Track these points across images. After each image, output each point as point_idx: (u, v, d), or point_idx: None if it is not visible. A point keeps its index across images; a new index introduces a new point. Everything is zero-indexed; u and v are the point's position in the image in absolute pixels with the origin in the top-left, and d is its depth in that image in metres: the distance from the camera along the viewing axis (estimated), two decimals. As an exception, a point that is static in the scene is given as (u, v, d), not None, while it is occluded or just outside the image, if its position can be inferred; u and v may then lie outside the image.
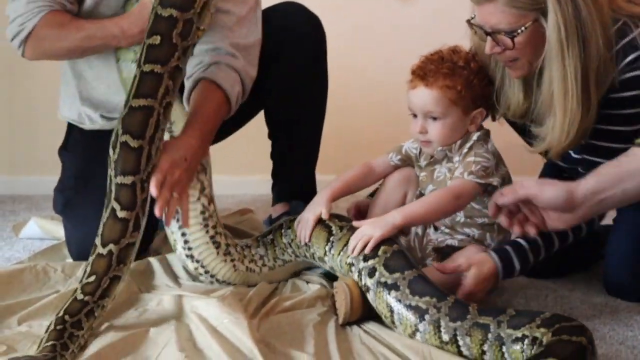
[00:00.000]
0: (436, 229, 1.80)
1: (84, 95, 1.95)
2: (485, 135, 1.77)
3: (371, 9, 3.05)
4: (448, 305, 1.42)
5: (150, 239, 2.00)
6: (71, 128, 2.04)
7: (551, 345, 1.24)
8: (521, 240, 1.65)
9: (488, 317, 1.38)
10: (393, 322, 1.48)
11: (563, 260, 1.95)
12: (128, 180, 1.48)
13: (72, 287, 1.65)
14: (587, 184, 1.50)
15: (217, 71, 1.79)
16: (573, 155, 1.75)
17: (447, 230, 1.78)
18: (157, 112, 1.52)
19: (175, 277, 1.80)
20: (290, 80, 2.06)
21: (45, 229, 2.21)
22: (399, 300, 1.47)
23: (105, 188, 1.53)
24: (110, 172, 1.51)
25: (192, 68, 1.82)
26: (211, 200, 1.73)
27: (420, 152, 1.84)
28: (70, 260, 1.91)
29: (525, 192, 1.53)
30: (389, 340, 1.45)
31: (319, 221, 1.71)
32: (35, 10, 1.78)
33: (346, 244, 1.62)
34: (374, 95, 3.08)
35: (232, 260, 1.73)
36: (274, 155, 2.20)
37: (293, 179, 2.19)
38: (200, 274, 1.72)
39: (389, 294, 1.48)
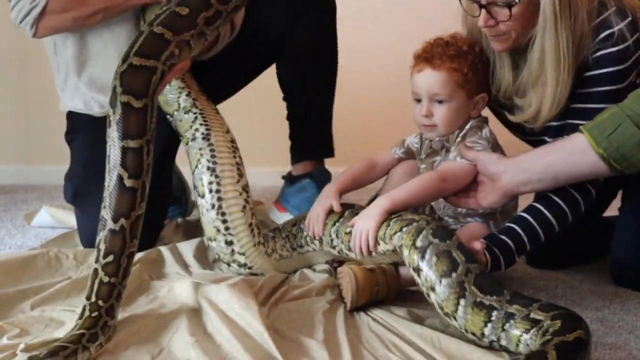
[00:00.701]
0: (439, 219, 1.79)
1: (94, 82, 1.93)
2: (482, 122, 1.76)
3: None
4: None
5: (159, 228, 2.01)
6: (76, 116, 2.00)
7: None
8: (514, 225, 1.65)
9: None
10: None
11: (573, 252, 1.95)
12: (136, 144, 1.42)
13: (84, 273, 1.67)
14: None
15: None
16: (548, 140, 1.75)
17: (450, 221, 1.78)
18: (161, 71, 1.48)
19: (185, 265, 1.81)
20: (307, 44, 2.09)
21: (57, 218, 2.23)
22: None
23: None
24: (112, 133, 1.42)
25: None
26: (247, 188, 1.78)
27: (421, 146, 1.84)
28: (81, 247, 1.92)
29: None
30: (398, 327, 1.45)
31: (330, 213, 1.71)
32: None
33: None
34: (379, 79, 3.08)
35: (265, 249, 1.76)
36: (290, 117, 2.22)
37: (311, 137, 2.21)
38: (235, 261, 1.73)
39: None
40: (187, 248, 1.87)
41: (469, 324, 1.36)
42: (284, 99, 2.23)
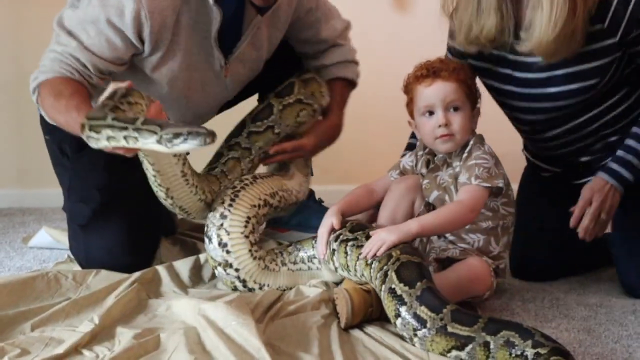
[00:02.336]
0: (439, 236, 1.80)
1: None
2: (480, 138, 1.78)
3: (368, 18, 3.08)
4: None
5: (156, 248, 2.02)
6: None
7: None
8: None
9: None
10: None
11: (559, 264, 1.97)
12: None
13: (83, 294, 1.68)
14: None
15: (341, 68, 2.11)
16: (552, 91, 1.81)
17: (451, 238, 1.77)
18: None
19: (182, 284, 1.81)
20: None
21: (56, 238, 2.23)
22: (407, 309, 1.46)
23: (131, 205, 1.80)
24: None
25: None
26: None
27: (415, 164, 1.87)
28: (79, 268, 1.91)
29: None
30: (389, 341, 1.46)
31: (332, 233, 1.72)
32: (54, 68, 1.75)
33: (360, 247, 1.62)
34: (368, 104, 3.10)
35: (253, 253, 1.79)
36: None
37: None
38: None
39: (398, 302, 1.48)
40: (182, 267, 1.88)
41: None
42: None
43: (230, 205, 1.77)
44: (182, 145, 1.39)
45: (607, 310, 1.73)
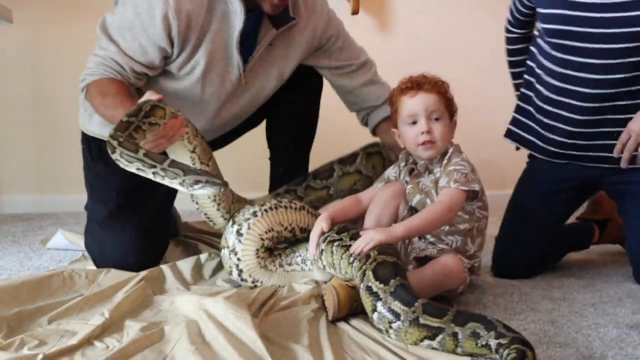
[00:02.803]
0: (420, 237, 1.80)
1: None
2: (458, 148, 1.80)
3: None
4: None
5: (164, 251, 2.03)
6: (101, 142, 1.94)
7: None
8: None
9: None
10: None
11: (534, 262, 2.02)
12: None
13: (95, 290, 1.68)
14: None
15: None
16: None
17: (432, 239, 1.78)
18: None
19: (184, 281, 1.82)
20: (295, 121, 2.16)
21: (71, 240, 2.24)
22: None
23: (146, 208, 1.86)
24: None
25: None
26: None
27: (399, 174, 1.88)
28: (92, 267, 1.92)
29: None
30: (372, 333, 1.47)
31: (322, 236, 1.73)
32: (99, 70, 1.81)
33: (347, 248, 1.62)
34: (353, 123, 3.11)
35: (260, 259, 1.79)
36: (273, 173, 2.23)
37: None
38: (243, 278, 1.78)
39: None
40: (185, 266, 1.89)
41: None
42: (270, 159, 2.24)
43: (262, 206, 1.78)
44: (200, 191, 1.49)
45: (569, 303, 1.74)
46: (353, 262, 1.58)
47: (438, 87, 1.77)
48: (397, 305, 1.43)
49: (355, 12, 2.96)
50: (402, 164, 1.89)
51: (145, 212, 1.93)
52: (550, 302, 1.76)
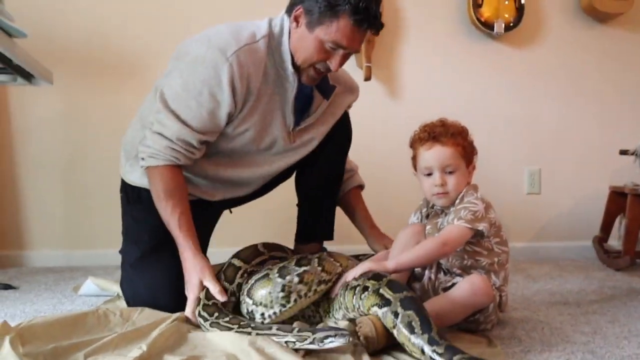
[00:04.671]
0: (446, 273, 1.67)
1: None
2: (473, 187, 1.68)
3: (368, 104, 3.03)
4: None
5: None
6: (144, 190, 1.83)
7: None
8: None
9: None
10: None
11: None
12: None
13: (129, 328, 1.50)
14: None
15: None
16: None
17: (458, 272, 1.65)
18: None
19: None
20: (324, 169, 2.02)
21: (101, 286, 2.07)
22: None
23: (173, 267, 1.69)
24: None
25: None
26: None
27: (421, 219, 1.78)
28: (125, 306, 1.75)
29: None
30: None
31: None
32: (164, 155, 1.69)
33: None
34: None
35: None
36: (301, 216, 2.08)
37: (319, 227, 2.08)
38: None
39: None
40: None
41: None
42: (298, 205, 2.09)
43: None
44: (330, 344, 1.34)
45: (602, 336, 1.58)
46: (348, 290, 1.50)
47: (455, 139, 1.67)
48: (386, 291, 1.43)
49: (367, 78, 2.90)
50: (424, 209, 1.79)
51: (177, 253, 1.76)
52: (582, 335, 1.59)
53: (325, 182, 2.03)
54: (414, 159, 1.73)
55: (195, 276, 1.63)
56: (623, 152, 2.87)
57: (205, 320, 1.53)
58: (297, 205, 2.06)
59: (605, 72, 3.18)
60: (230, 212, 2.08)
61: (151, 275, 1.73)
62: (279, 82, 1.76)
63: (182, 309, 1.67)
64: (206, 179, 1.85)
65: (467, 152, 1.68)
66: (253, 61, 1.69)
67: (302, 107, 1.85)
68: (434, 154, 1.65)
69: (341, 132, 2.01)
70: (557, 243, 3.13)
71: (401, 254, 1.60)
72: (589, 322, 1.73)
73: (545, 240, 3.13)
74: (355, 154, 2.95)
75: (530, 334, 1.59)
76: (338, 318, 1.56)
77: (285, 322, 1.56)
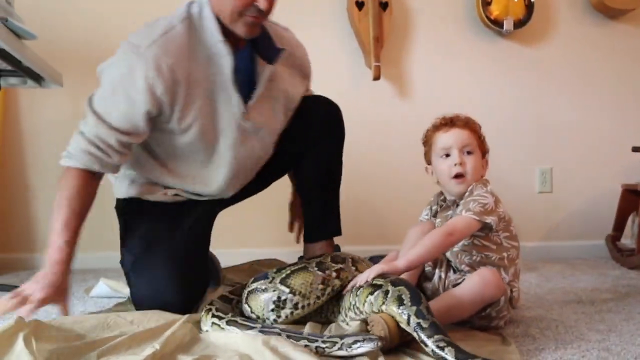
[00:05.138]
0: (455, 271, 1.67)
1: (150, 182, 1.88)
2: (483, 181, 1.68)
3: (379, 104, 3.03)
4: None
5: (203, 296, 1.85)
6: (135, 201, 1.89)
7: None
8: None
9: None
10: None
11: None
12: None
13: (141, 329, 1.51)
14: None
15: None
16: None
17: (467, 269, 1.65)
18: None
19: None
20: (321, 163, 2.01)
21: (113, 287, 2.08)
22: None
23: (173, 251, 1.71)
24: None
25: None
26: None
27: (430, 215, 1.78)
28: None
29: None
30: (430, 360, 1.30)
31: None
32: (78, 157, 1.69)
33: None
34: (375, 174, 3.01)
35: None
36: (306, 212, 2.08)
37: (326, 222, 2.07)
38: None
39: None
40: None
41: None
42: (301, 205, 2.11)
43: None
44: (359, 350, 1.32)
45: (617, 334, 1.56)
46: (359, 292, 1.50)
47: (470, 125, 1.70)
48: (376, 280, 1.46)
49: (376, 77, 2.90)
50: (434, 206, 1.79)
51: (173, 254, 1.76)
52: (597, 333, 1.57)
53: (323, 178, 2.01)
54: (429, 149, 1.73)
55: (45, 290, 1.59)
56: (635, 149, 2.85)
57: (221, 319, 1.52)
58: (301, 205, 2.08)
59: (616, 69, 3.16)
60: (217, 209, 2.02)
61: (149, 272, 1.73)
62: (214, 61, 1.69)
63: (190, 300, 1.70)
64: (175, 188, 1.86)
65: (481, 141, 1.70)
66: (173, 50, 1.64)
67: (248, 79, 1.77)
68: (453, 135, 1.67)
69: (333, 127, 2.01)
70: (570, 242, 3.11)
71: (409, 251, 1.59)
72: (604, 320, 1.71)
73: (558, 239, 3.12)
74: (363, 153, 2.96)
75: (545, 332, 1.58)
76: (348, 318, 1.55)
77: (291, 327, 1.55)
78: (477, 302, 1.52)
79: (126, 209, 1.91)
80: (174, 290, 1.70)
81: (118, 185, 1.91)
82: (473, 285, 1.53)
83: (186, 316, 1.59)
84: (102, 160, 1.68)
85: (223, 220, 2.78)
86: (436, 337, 1.26)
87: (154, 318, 1.62)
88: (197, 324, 1.59)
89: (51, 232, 1.67)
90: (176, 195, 1.88)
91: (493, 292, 1.53)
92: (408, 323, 1.32)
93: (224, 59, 1.68)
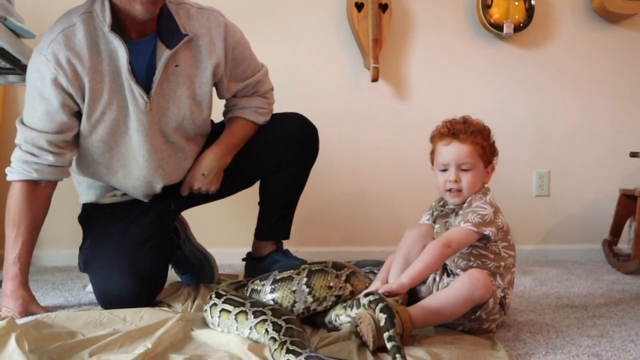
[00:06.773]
0: (449, 274, 1.68)
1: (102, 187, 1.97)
2: (483, 190, 1.68)
3: (377, 105, 3.04)
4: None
5: (159, 269, 1.91)
6: (89, 206, 2.00)
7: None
8: None
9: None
10: None
11: None
12: None
13: (133, 327, 1.52)
14: None
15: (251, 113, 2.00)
16: None
17: (461, 273, 1.64)
18: None
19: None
20: (289, 182, 2.11)
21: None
22: None
23: (118, 250, 1.79)
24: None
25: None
26: None
27: (431, 220, 1.78)
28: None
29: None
30: (421, 355, 1.32)
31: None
32: (19, 169, 1.75)
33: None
34: (371, 176, 3.02)
35: None
36: (262, 217, 2.19)
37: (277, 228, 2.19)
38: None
39: None
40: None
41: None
42: (259, 204, 2.18)
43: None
44: None
45: (609, 340, 1.57)
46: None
47: (474, 137, 1.67)
48: None
49: (374, 79, 2.91)
50: (435, 211, 1.79)
51: (119, 246, 1.82)
52: (588, 338, 1.58)
53: (287, 194, 2.13)
54: (432, 153, 1.75)
55: (17, 305, 1.73)
56: (634, 155, 2.86)
57: (220, 297, 1.57)
58: (259, 204, 2.16)
59: (616, 74, 3.17)
60: (172, 207, 2.02)
61: (100, 268, 1.80)
62: (115, 52, 1.72)
63: (146, 292, 1.80)
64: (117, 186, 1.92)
65: (486, 152, 1.69)
66: (71, 45, 1.69)
67: (153, 67, 1.78)
68: (452, 150, 1.66)
69: (308, 149, 2.08)
70: (566, 246, 3.12)
71: (411, 267, 1.59)
72: (596, 325, 1.72)
73: (554, 243, 3.13)
74: (363, 155, 2.98)
75: (535, 337, 1.59)
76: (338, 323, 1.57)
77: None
78: (466, 302, 1.52)
79: (84, 215, 2.00)
80: (125, 280, 1.76)
81: (80, 191, 1.99)
82: (462, 285, 1.54)
83: (179, 314, 1.62)
84: (38, 164, 1.74)
85: (221, 220, 2.82)
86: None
87: (146, 316, 1.64)
88: (190, 321, 1.60)
89: (5, 248, 1.77)
90: (124, 195, 1.95)
91: (482, 292, 1.54)
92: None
93: (120, 49, 1.72)
